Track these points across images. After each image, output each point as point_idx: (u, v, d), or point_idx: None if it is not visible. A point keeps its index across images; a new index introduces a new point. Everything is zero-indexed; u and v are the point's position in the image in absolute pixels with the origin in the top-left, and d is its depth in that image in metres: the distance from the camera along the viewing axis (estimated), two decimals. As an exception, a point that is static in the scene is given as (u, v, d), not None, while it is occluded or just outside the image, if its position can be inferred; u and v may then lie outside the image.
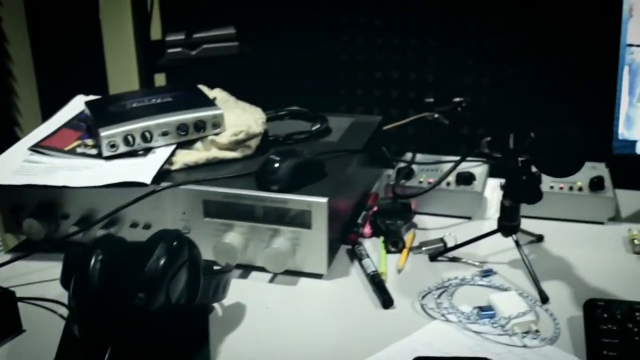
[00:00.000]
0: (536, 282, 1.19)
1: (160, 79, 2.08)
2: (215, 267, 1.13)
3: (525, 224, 1.35)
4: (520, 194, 1.20)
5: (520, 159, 1.17)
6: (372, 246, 1.32)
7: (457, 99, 1.58)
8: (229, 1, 1.94)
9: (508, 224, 1.24)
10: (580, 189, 1.40)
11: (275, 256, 1.20)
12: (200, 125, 1.33)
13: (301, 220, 1.20)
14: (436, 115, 1.57)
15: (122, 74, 2.18)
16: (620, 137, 1.34)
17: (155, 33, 2.04)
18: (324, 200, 1.18)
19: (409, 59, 1.91)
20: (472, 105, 1.72)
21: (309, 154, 1.30)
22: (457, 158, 1.38)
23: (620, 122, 1.34)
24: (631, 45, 1.32)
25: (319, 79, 1.94)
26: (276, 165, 1.23)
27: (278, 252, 1.19)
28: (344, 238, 1.32)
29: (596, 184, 1.39)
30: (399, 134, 1.65)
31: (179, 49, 1.90)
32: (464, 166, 1.43)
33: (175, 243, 1.00)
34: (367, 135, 1.46)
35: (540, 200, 1.20)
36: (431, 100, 1.60)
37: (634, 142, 1.34)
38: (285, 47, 1.89)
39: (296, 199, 1.19)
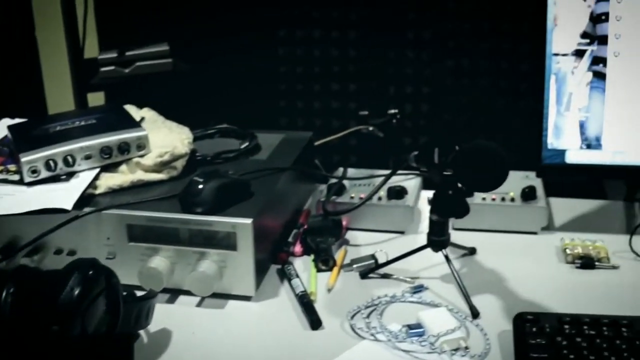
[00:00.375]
0: (467, 297, 1.18)
1: (99, 98, 2.04)
2: (139, 293, 1.10)
3: (458, 236, 1.35)
4: (446, 208, 1.18)
5: (445, 173, 1.15)
6: (303, 265, 1.30)
7: (391, 111, 1.57)
8: (164, 17, 1.91)
9: (437, 239, 1.22)
10: (512, 199, 1.39)
11: (201, 280, 1.17)
12: (124, 148, 1.30)
13: (227, 242, 1.18)
14: (371, 128, 1.56)
15: (59, 93, 2.14)
16: (549, 146, 1.33)
17: (93, 51, 2.01)
18: (249, 221, 1.16)
19: (348, 70, 1.90)
20: (405, 116, 1.72)
21: (235, 173, 1.27)
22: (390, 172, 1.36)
23: (549, 131, 1.33)
24: (557, 54, 1.31)
25: (258, 93, 1.92)
26: (200, 186, 1.21)
27: (204, 276, 1.17)
28: (274, 257, 1.30)
29: (528, 194, 1.38)
30: (335, 147, 1.64)
31: (112, 67, 1.87)
32: (396, 180, 1.42)
33: (90, 272, 0.97)
34: (297, 152, 1.44)
35: (467, 214, 1.18)
36: (365, 113, 1.59)
37: (563, 152, 1.33)
38: (222, 62, 1.87)
39: (221, 221, 1.17)
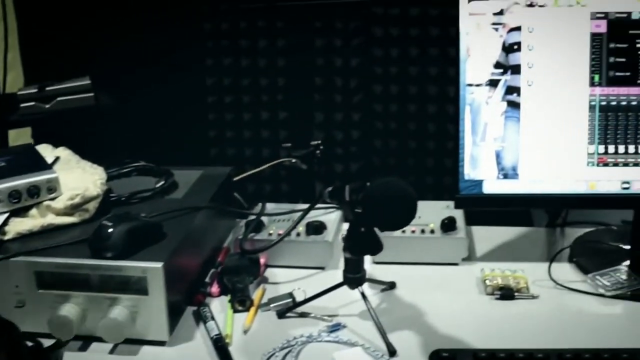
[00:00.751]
0: (383, 335, 1.16)
1: (26, 134, 1.99)
2: (47, 344, 1.07)
3: (378, 270, 1.34)
4: (359, 246, 1.17)
5: (356, 210, 1.14)
6: (221, 306, 1.28)
7: (314, 142, 1.55)
8: (87, 51, 1.87)
9: (353, 277, 1.21)
10: (432, 231, 1.38)
11: (112, 326, 1.15)
12: (34, 191, 1.27)
13: (138, 286, 1.15)
14: (293, 160, 1.54)
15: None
16: (466, 177, 1.32)
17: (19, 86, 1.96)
18: (159, 265, 1.14)
19: (277, 99, 1.88)
20: (337, 143, 1.71)
21: (147, 215, 1.25)
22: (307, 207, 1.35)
23: (465, 162, 1.32)
24: (470, 84, 1.30)
25: (187, 124, 1.89)
26: (109, 230, 1.18)
27: (115, 322, 1.14)
28: (190, 299, 1.27)
29: (448, 225, 1.37)
30: (263, 179, 1.62)
31: (32, 103, 1.82)
32: (316, 214, 1.40)
33: (-12, 328, 0.94)
34: (215, 189, 1.42)
35: (380, 251, 1.17)
36: (288, 145, 1.57)
37: (480, 182, 1.33)
38: (148, 95, 1.84)
39: (131, 266, 1.15)
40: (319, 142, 1.54)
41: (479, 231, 1.50)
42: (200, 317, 1.23)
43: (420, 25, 1.63)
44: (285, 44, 1.74)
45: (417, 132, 1.68)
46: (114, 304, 1.16)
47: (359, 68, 1.72)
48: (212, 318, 1.22)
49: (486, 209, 1.44)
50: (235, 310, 1.25)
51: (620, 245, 1.42)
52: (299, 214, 1.37)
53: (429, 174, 1.69)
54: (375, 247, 1.16)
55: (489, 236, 1.49)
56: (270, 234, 1.38)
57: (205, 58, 1.82)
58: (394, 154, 1.73)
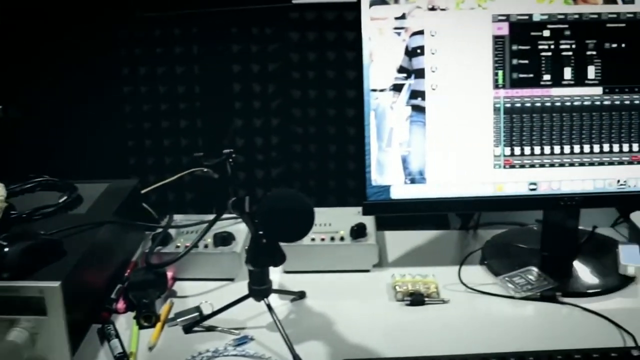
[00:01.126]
0: (290, 347, 1.14)
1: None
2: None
3: (288, 279, 1.33)
4: (261, 258, 1.15)
5: (256, 222, 1.12)
6: (127, 322, 1.25)
7: (226, 151, 1.53)
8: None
9: (258, 289, 1.19)
10: (342, 238, 1.36)
11: (11, 350, 1.11)
12: None
13: (36, 307, 1.12)
14: (205, 170, 1.52)
15: None
16: (373, 183, 1.31)
17: None
18: (57, 284, 1.11)
19: (194, 107, 1.85)
20: (257, 149, 1.69)
21: (47, 232, 1.22)
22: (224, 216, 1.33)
23: (372, 168, 1.31)
24: (375, 90, 1.29)
25: (105, 135, 1.85)
26: (4, 250, 1.15)
27: (14, 345, 1.11)
28: (95, 317, 1.24)
29: (357, 232, 1.36)
30: (175, 189, 1.59)
31: None
32: (224, 225, 1.38)
33: None
34: (119, 202, 1.39)
35: (283, 262, 1.15)
36: (200, 154, 1.54)
37: (388, 188, 1.32)
38: (63, 105, 1.80)
39: (27, 286, 1.11)
40: (231, 150, 1.52)
41: (391, 236, 1.49)
42: (105, 335, 1.20)
43: (336, 29, 1.62)
44: (201, 50, 1.72)
45: (336, 135, 1.67)
46: (12, 326, 1.13)
47: (276, 73, 1.70)
48: (117, 336, 1.19)
49: (391, 216, 1.43)
50: (141, 327, 1.23)
51: (531, 246, 1.42)
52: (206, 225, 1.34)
53: (345, 177, 1.68)
54: (277, 259, 1.14)
55: (401, 241, 1.48)
56: (177, 247, 1.36)
57: (121, 67, 1.79)
58: (314, 158, 1.71)
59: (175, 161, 1.84)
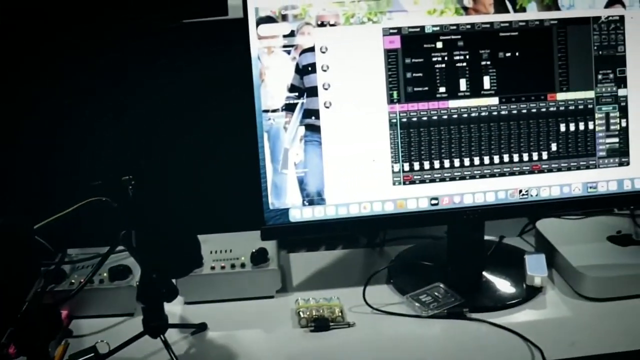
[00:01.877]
0: (187, 385, 1.10)
1: None
2: None
3: (189, 311, 1.28)
4: (151, 294, 1.10)
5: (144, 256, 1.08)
6: (19, 367, 1.19)
7: (125, 177, 1.47)
8: None
9: (154, 325, 1.14)
10: (242, 265, 1.32)
11: None
12: None
13: None
14: (104, 199, 1.46)
15: None
16: (271, 207, 1.27)
17: None
18: None
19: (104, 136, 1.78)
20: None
21: None
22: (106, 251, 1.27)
23: (268, 191, 1.27)
24: (267, 110, 1.25)
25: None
26: None
27: None
28: (-16, 363, 1.18)
29: (258, 257, 1.32)
30: (73, 222, 1.52)
31: None
32: (121, 258, 1.32)
33: None
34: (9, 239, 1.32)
35: (175, 297, 1.11)
36: (98, 182, 1.48)
37: (286, 211, 1.28)
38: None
39: None
40: (130, 176, 1.46)
41: (295, 258, 1.46)
42: (-6, 383, 1.14)
43: (226, 48, 1.56)
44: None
45: (234, 158, 1.61)
46: None
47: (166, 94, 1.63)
48: (5, 384, 1.13)
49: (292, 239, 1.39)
50: (33, 372, 1.16)
51: (438, 261, 1.39)
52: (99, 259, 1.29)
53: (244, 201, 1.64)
54: (169, 294, 1.09)
55: (306, 262, 1.44)
56: (72, 283, 1.30)
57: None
58: (211, 181, 1.64)
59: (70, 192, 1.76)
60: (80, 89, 1.59)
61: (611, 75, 1.31)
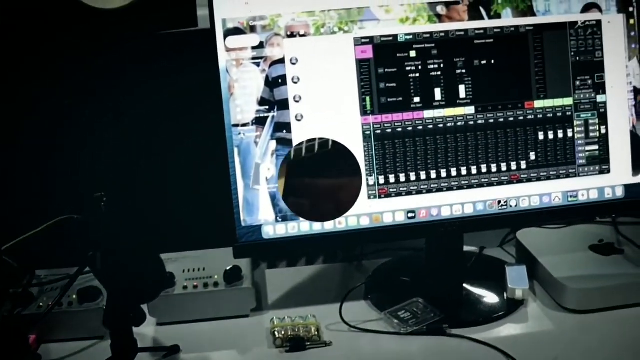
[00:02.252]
0: (158, 411, 1.06)
1: None
2: None
3: (162, 332, 1.25)
4: (118, 319, 1.07)
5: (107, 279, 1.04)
6: (-16, 396, 1.15)
7: (97, 194, 1.43)
8: None
9: (121, 350, 1.10)
10: (216, 284, 1.28)
11: None
12: None
13: None
14: (75, 217, 1.42)
15: None
16: (243, 224, 1.24)
17: None
18: None
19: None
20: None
21: None
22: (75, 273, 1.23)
23: (240, 208, 1.23)
24: (236, 125, 1.22)
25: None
26: None
27: None
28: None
29: (231, 276, 1.28)
30: (36, 244, 1.48)
31: None
32: (89, 279, 1.28)
33: None
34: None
35: (143, 322, 1.07)
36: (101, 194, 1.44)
37: (259, 227, 1.24)
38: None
39: None
40: (102, 193, 1.42)
41: (271, 275, 1.42)
42: (-43, 415, 1.10)
43: (196, 61, 1.52)
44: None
45: (205, 174, 1.57)
46: None
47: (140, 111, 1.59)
48: (-31, 414, 1.09)
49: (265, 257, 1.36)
50: (-2, 401, 1.13)
51: (417, 275, 1.36)
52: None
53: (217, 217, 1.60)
54: (136, 319, 1.06)
55: (282, 279, 1.41)
56: (40, 306, 1.26)
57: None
58: (183, 199, 1.61)
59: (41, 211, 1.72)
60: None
61: (589, 82, 1.28)
